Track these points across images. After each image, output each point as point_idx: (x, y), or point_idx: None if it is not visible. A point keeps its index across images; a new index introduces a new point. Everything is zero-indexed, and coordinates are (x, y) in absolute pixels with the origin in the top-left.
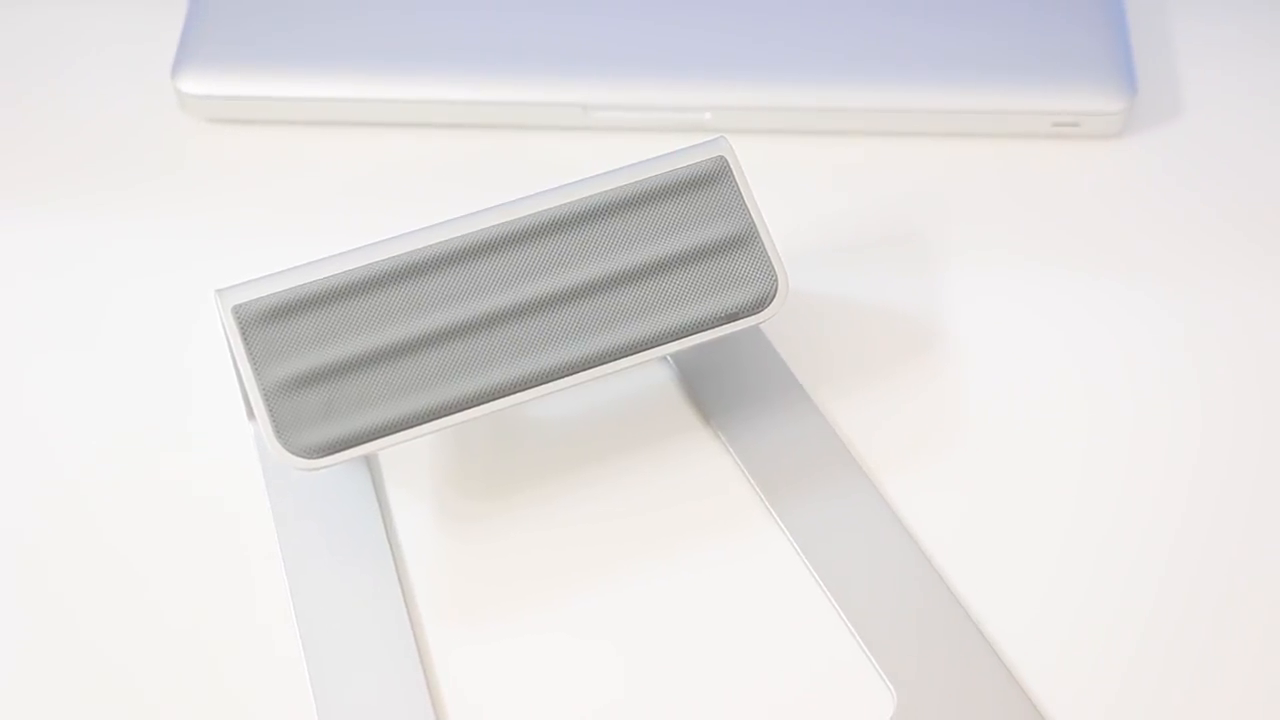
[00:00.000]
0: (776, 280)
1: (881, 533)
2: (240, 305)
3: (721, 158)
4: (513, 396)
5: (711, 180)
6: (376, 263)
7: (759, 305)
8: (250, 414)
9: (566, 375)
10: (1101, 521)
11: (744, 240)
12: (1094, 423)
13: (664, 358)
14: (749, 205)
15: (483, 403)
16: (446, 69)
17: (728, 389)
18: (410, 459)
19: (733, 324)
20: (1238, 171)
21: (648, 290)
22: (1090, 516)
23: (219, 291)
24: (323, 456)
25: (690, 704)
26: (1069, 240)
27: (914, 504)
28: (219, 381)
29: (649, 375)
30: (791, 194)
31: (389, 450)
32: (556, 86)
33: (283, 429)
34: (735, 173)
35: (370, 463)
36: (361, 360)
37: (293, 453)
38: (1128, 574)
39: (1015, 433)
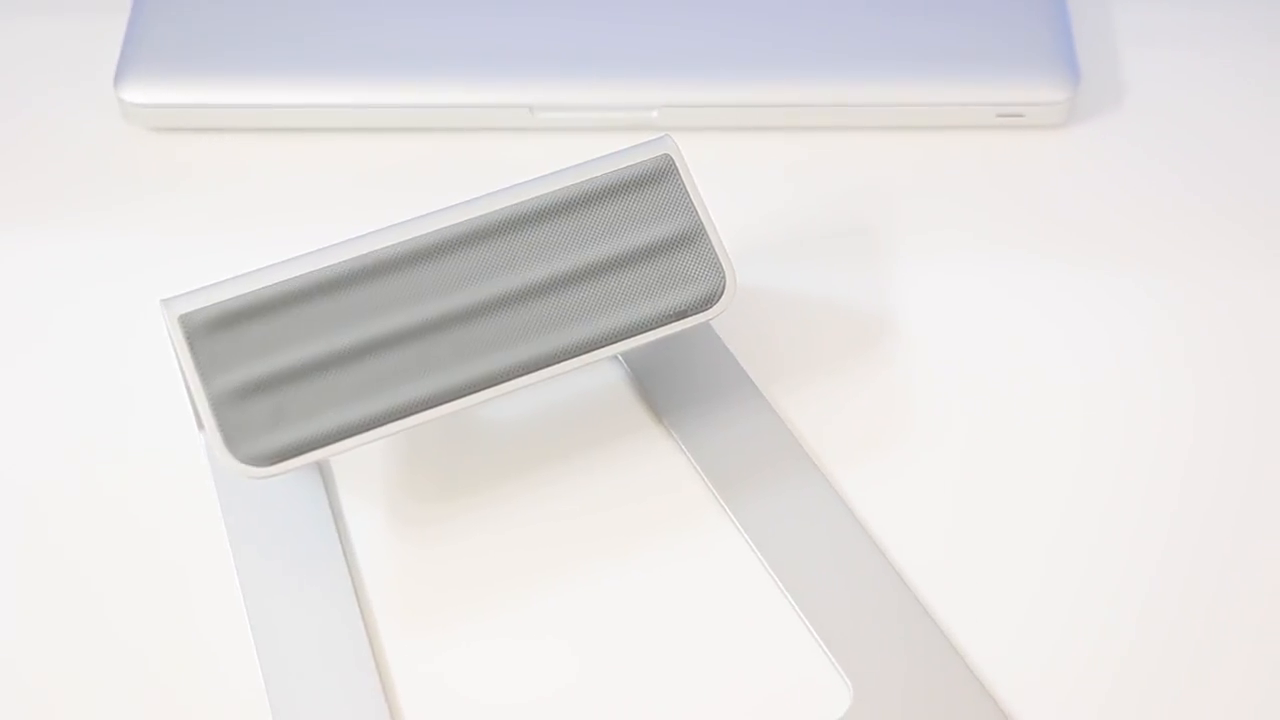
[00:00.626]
0: (724, 277)
1: (835, 527)
2: (186, 314)
3: (666, 156)
4: (463, 399)
5: (657, 179)
6: (323, 269)
7: (707, 302)
8: (199, 424)
9: (517, 377)
10: (1055, 510)
11: (691, 238)
12: (1045, 411)
13: (615, 357)
14: (695, 203)
15: (433, 406)
16: (391, 73)
17: (679, 387)
18: (362, 464)
19: (681, 322)
20: (1180, 158)
21: (596, 290)
22: (1044, 505)
23: (164, 301)
24: (273, 464)
25: (647, 702)
26: (1015, 230)
27: (867, 497)
28: (167, 391)
29: (600, 375)
30: (740, 190)
31: (341, 456)
32: (502, 88)
33: (232, 438)
34: (681, 170)
35: (322, 469)
36: (310, 366)
37: (243, 461)
38: (1083, 562)
39: (967, 424)
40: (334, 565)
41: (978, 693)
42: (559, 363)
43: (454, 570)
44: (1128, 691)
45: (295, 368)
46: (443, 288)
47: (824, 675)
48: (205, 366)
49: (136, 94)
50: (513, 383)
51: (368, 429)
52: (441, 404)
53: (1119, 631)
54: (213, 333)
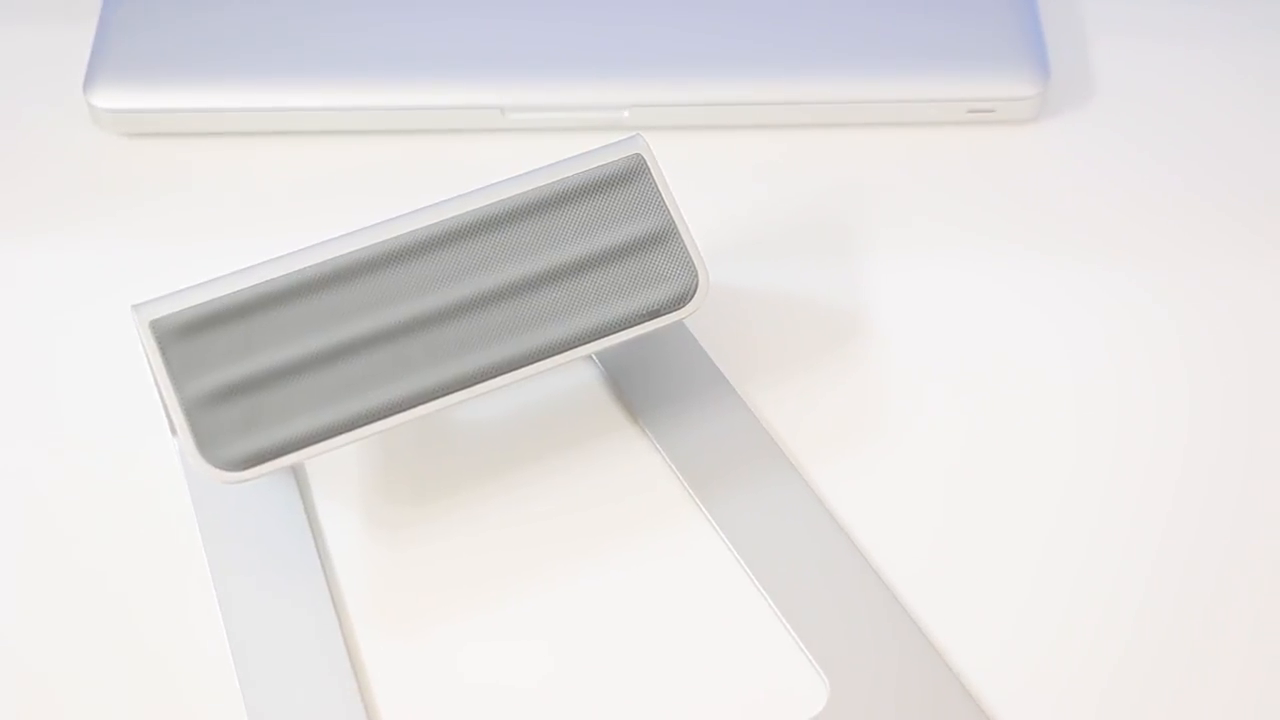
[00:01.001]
0: (697, 276)
1: (811, 524)
2: (157, 320)
3: (638, 155)
4: (437, 401)
5: (629, 178)
6: (294, 272)
7: (680, 301)
8: (172, 429)
9: (491, 378)
10: (1031, 504)
11: (663, 237)
12: (1020, 406)
13: (589, 357)
14: (667, 202)
15: (407, 408)
16: (362, 75)
17: (654, 386)
18: (337, 468)
19: (655, 321)
20: (1151, 152)
21: (569, 290)
22: (1020, 500)
23: (135, 306)
24: (246, 469)
25: (625, 701)
26: (988, 226)
27: (843, 494)
28: (140, 397)
29: (575, 375)
30: (712, 189)
31: (315, 460)
32: (473, 89)
33: (205, 443)
34: (652, 170)
35: (297, 473)
36: (282, 370)
37: (216, 466)
38: (1059, 555)
39: (942, 419)
40: (309, 568)
41: (954, 688)
42: (533, 363)
43: (430, 572)
44: (1106, 684)
45: (267, 372)
46: (415, 289)
47: (800, 672)
48: (177, 372)
49: (106, 99)
50: (487, 384)
51: (341, 432)
52: (415, 406)
53: (1097, 624)
54: (184, 338)
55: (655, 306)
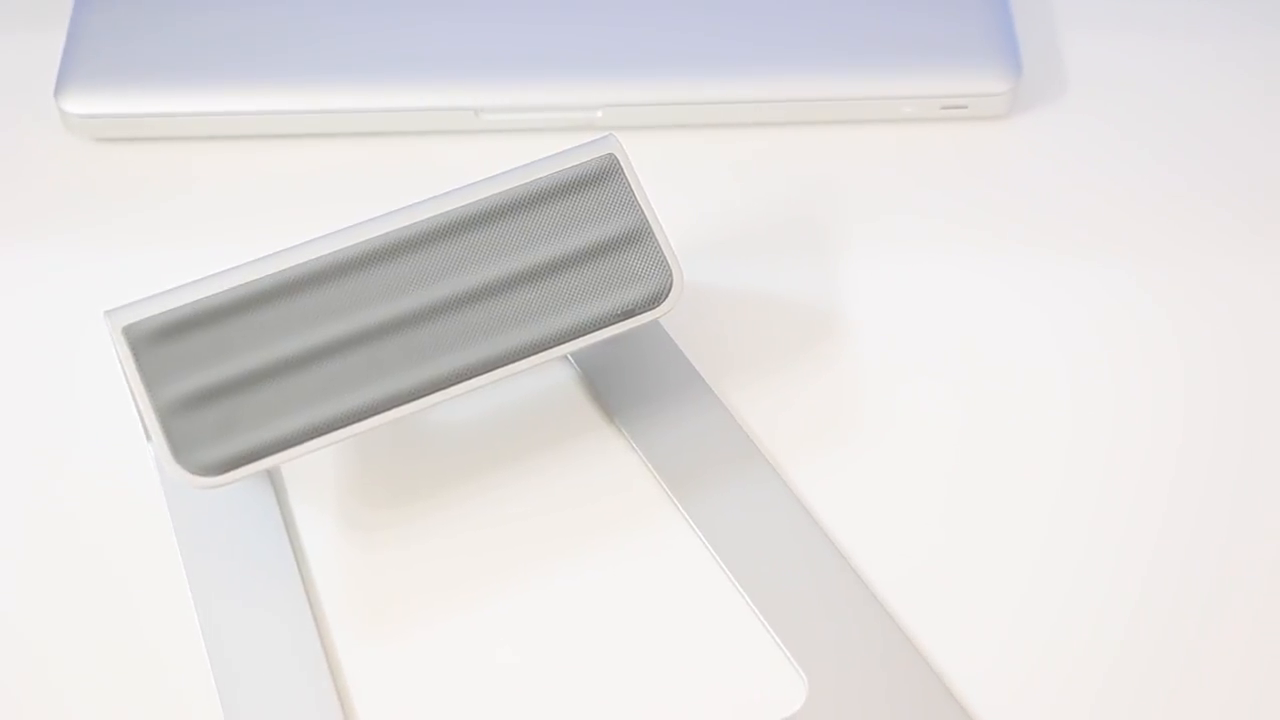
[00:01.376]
0: (671, 275)
1: (788, 521)
2: (130, 325)
3: (611, 155)
4: (411, 404)
5: (602, 178)
6: (267, 276)
7: (655, 301)
8: (147, 435)
9: (466, 380)
10: (1009, 501)
11: (637, 237)
12: (997, 403)
13: (565, 357)
14: (640, 201)
15: (382, 411)
16: (335, 78)
17: (630, 386)
18: (313, 471)
19: (630, 321)
20: (1123, 146)
21: (543, 291)
22: (997, 497)
23: (108, 312)
24: (221, 474)
25: (603, 700)
26: (962, 222)
27: (820, 492)
28: (114, 403)
29: (551, 375)
30: (687, 188)
31: (290, 464)
32: (447, 91)
33: (179, 448)
34: (625, 169)
35: (272, 477)
36: (257, 375)
37: (191, 471)
38: (1039, 553)
39: (918, 416)
40: (286, 572)
41: (934, 684)
42: (508, 364)
43: (406, 575)
44: (1087, 680)
45: (242, 376)
46: (390, 292)
47: (778, 670)
48: (151, 377)
49: (77, 105)
50: (462, 386)
51: (316, 436)
52: (391, 409)
53: (1079, 620)
54: (157, 343)
55: (630, 306)
